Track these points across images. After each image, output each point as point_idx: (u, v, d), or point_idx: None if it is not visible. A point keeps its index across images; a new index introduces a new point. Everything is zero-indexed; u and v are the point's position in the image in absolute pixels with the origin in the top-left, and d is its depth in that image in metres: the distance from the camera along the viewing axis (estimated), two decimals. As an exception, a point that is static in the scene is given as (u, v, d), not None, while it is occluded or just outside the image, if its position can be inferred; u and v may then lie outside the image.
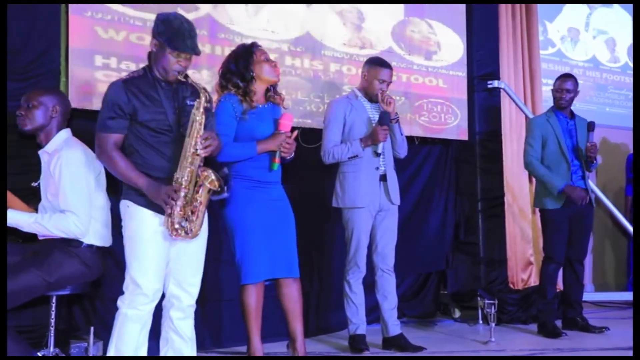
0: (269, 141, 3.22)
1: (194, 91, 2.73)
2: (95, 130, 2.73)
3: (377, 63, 3.90)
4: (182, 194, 2.59)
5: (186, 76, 2.70)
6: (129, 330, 2.66)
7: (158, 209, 2.65)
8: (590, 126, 4.41)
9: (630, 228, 5.74)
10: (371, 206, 3.80)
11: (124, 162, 2.66)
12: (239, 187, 3.24)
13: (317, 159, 3.87)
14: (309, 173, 4.15)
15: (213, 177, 2.65)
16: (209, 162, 2.84)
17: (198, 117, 2.64)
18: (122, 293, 2.70)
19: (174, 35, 2.64)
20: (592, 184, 5.75)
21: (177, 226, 2.60)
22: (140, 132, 2.69)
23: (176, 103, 2.72)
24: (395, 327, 3.89)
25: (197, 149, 2.62)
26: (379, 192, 3.82)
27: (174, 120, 2.69)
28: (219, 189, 2.67)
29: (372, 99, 3.90)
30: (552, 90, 4.54)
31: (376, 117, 3.85)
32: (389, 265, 3.90)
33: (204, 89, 2.70)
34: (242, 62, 3.24)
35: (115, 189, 3.20)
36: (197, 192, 2.63)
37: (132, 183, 2.65)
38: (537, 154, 4.44)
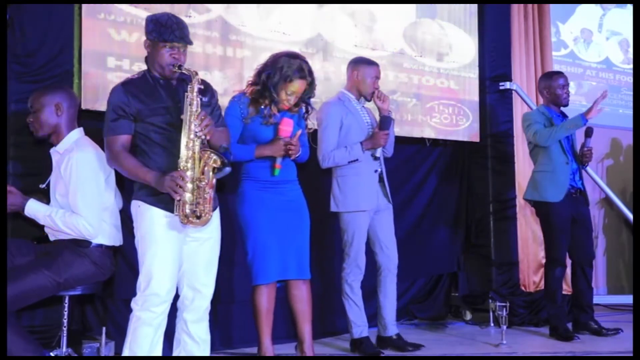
0: (267, 147, 3.22)
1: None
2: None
3: (365, 62, 3.90)
4: (189, 178, 2.60)
5: (180, 67, 2.72)
6: (143, 334, 2.66)
7: (168, 206, 2.65)
8: (588, 132, 4.32)
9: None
10: (371, 208, 3.80)
11: (132, 160, 2.68)
12: (252, 188, 3.26)
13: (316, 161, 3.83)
14: (309, 175, 4.11)
15: (214, 156, 2.65)
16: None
17: (192, 99, 2.65)
18: (134, 294, 2.70)
19: (162, 29, 2.71)
20: (604, 186, 5.75)
21: (187, 212, 2.60)
22: (146, 130, 2.71)
23: (177, 99, 2.74)
24: (393, 327, 3.89)
25: (195, 132, 2.63)
26: (377, 194, 3.82)
27: (177, 116, 2.70)
28: (222, 165, 2.65)
29: (361, 98, 3.88)
30: (551, 88, 4.35)
31: (367, 119, 3.86)
32: (395, 264, 3.90)
33: (196, 72, 2.71)
34: (274, 81, 3.22)
35: (127, 190, 3.23)
36: (203, 173, 2.63)
37: (142, 179, 2.66)
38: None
